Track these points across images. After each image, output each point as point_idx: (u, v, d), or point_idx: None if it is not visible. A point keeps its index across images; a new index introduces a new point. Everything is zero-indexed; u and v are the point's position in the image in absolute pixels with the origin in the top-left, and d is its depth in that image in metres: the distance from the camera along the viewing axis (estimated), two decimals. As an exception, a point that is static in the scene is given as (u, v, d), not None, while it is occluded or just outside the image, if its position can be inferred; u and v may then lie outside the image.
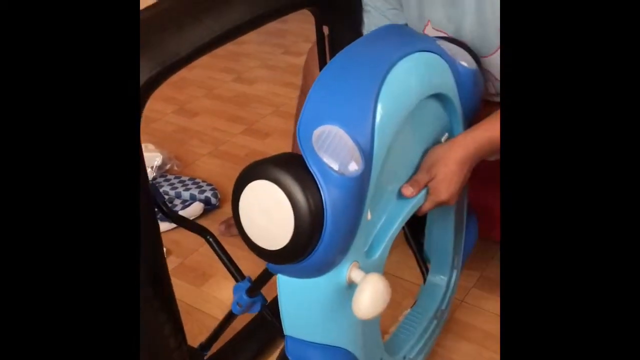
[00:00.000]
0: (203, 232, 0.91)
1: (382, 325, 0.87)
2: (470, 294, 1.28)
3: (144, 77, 0.64)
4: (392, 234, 0.78)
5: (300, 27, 2.72)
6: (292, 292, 0.72)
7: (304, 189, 0.61)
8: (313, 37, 1.02)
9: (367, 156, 0.66)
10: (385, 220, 0.79)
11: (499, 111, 0.84)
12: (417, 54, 0.77)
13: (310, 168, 0.62)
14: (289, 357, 0.77)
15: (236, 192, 0.66)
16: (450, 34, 1.02)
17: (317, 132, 0.65)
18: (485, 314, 1.23)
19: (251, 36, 2.68)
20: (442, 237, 1.03)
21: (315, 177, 0.62)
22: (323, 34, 1.02)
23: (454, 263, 1.06)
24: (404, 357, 0.97)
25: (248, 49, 2.63)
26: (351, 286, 0.70)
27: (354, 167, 0.64)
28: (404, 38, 0.82)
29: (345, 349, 0.77)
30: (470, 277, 1.32)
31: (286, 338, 0.77)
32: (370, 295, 0.66)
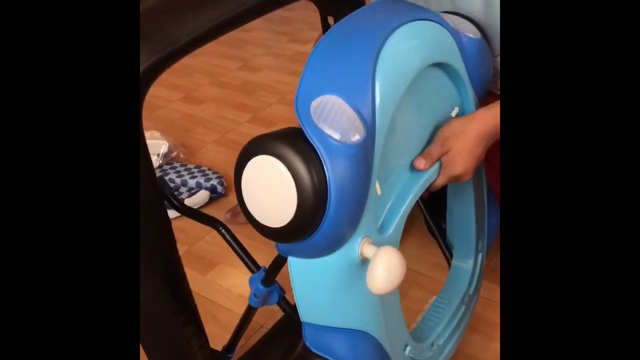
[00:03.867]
0: (214, 223, 0.89)
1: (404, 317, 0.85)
2: (476, 284, 1.28)
3: (142, 65, 0.62)
4: (406, 208, 0.76)
5: (307, 14, 2.70)
6: (305, 274, 0.71)
7: (306, 161, 0.60)
8: (319, 25, 1.01)
9: (369, 124, 0.65)
10: (398, 195, 0.77)
11: None
12: (416, 22, 0.75)
13: (310, 139, 0.61)
14: (308, 345, 0.75)
15: (238, 170, 0.64)
16: None
17: (315, 103, 0.63)
18: (492, 305, 1.23)
19: (257, 23, 2.67)
20: (463, 219, 1.00)
21: (316, 148, 0.61)
22: (328, 24, 1.01)
23: (477, 246, 1.03)
24: (432, 344, 0.95)
25: (254, 36, 2.62)
26: (365, 263, 0.68)
27: (355, 135, 0.63)
28: (403, 8, 0.80)
29: (367, 333, 0.74)
30: (477, 268, 1.31)
31: (303, 325, 0.75)
32: (384, 268, 0.63)
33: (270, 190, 0.62)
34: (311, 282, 0.71)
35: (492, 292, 1.25)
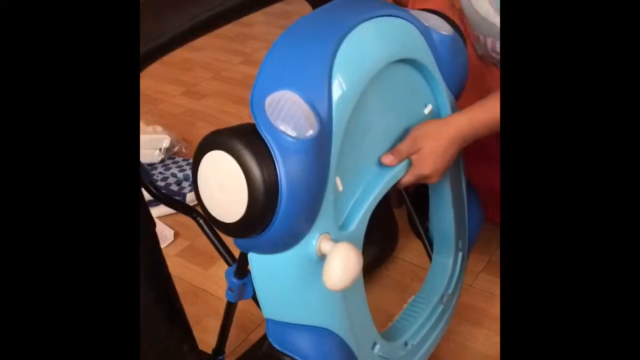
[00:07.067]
0: (192, 212, 0.89)
1: (389, 311, 0.84)
2: (478, 278, 1.28)
3: None
4: (369, 206, 0.75)
5: (308, 9, 2.69)
6: (264, 270, 0.71)
7: (257, 157, 0.60)
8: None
9: (325, 119, 0.64)
10: (362, 193, 0.76)
11: (499, 91, 0.81)
12: (379, 18, 0.75)
13: (262, 135, 0.61)
14: (271, 341, 0.75)
15: (195, 164, 0.65)
16: None
17: (269, 99, 0.64)
18: (494, 298, 1.23)
19: (258, 18, 2.66)
20: (441, 218, 1.00)
21: (269, 145, 0.61)
22: None
23: (457, 245, 1.03)
24: (406, 343, 0.93)
25: (255, 30, 2.61)
26: (323, 259, 0.68)
27: (308, 130, 0.63)
28: (369, 4, 0.79)
29: (329, 330, 0.74)
30: (479, 262, 1.31)
31: (267, 321, 0.75)
32: (340, 264, 0.63)
33: (223, 185, 0.63)
34: (270, 277, 0.71)
35: (493, 285, 1.25)
